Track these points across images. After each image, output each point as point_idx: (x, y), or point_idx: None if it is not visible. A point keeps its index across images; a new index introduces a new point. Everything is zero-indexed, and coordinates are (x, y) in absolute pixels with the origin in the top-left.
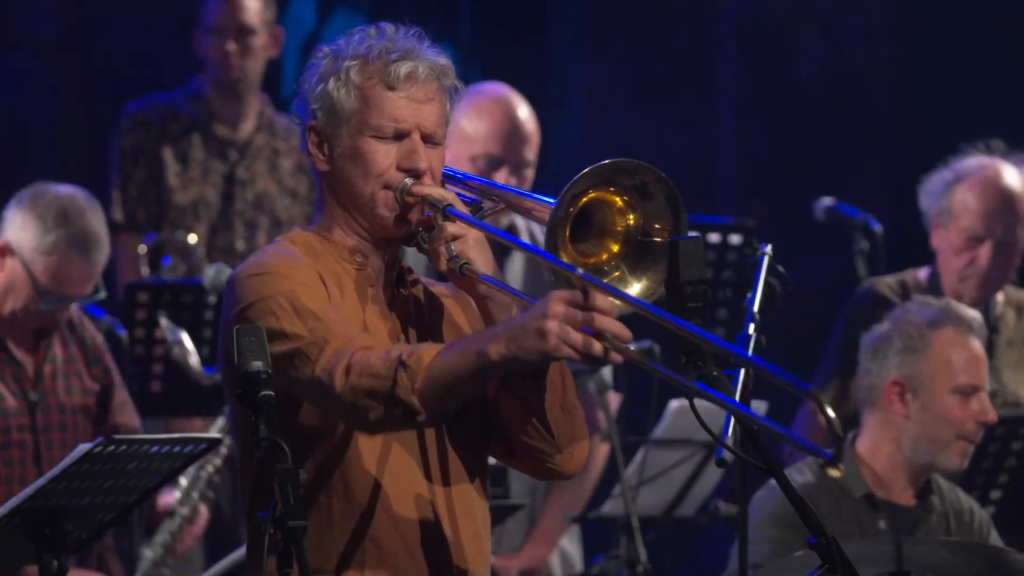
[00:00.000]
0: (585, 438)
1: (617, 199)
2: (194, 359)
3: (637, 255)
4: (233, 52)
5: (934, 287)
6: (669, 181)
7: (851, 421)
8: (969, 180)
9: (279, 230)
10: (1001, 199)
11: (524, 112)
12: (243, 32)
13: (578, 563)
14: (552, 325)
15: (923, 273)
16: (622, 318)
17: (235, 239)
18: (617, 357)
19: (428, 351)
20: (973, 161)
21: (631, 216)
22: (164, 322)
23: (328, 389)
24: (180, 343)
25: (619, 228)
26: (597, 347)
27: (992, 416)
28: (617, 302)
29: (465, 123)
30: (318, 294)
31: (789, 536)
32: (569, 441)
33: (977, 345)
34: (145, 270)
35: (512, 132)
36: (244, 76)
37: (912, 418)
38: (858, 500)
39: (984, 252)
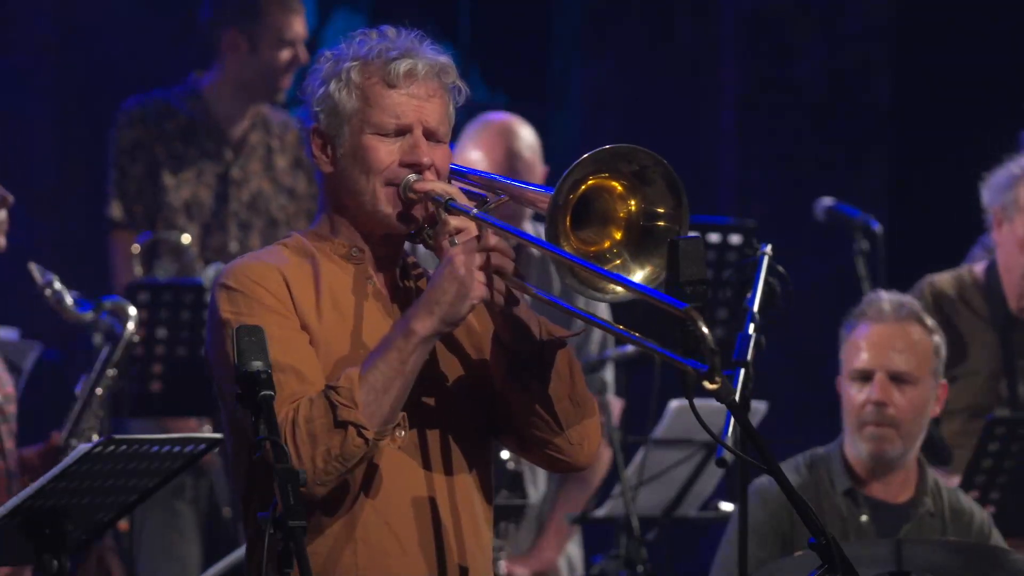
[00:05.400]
0: (596, 431)
1: (617, 185)
2: (68, 299)
3: (640, 241)
4: (303, 59)
5: (992, 283)
6: (668, 165)
7: None
8: None
9: (274, 230)
10: None
11: None
12: (302, 40)
13: (579, 566)
14: (462, 270)
15: (980, 268)
16: (627, 304)
17: (229, 240)
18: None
19: (353, 368)
20: None
21: (632, 202)
22: (34, 266)
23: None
24: (51, 284)
25: (621, 214)
26: (500, 283)
27: (876, 395)
28: (535, 250)
29: None
30: (281, 322)
31: (762, 554)
32: (579, 433)
33: (884, 331)
34: (138, 269)
35: None
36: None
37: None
38: (841, 495)
39: None
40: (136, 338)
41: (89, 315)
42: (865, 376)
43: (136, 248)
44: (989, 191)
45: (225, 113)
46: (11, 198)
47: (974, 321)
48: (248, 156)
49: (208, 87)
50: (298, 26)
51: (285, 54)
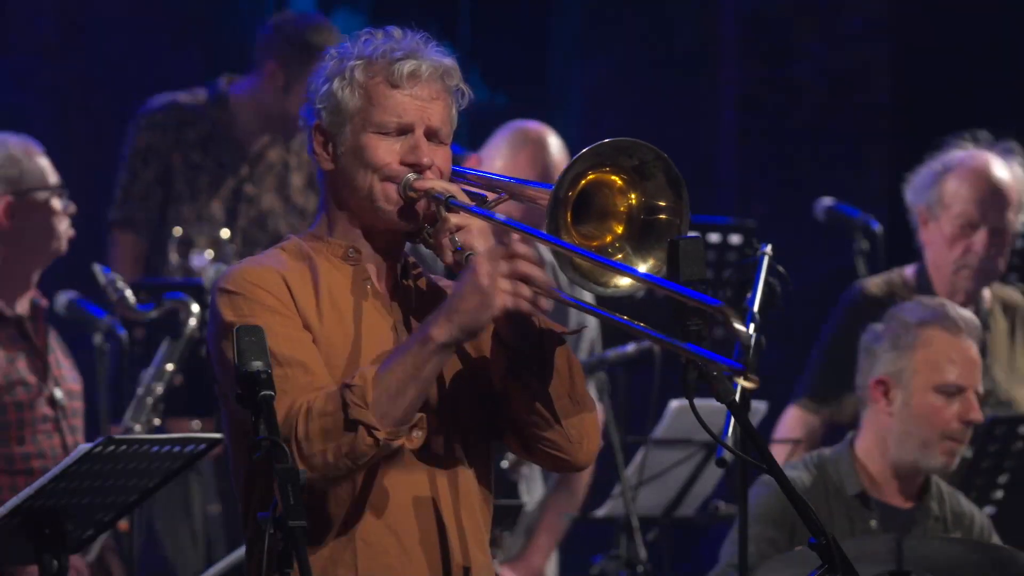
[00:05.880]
0: (596, 429)
1: (617, 179)
2: (130, 296)
3: (641, 235)
4: None
5: (922, 284)
6: (668, 159)
7: (844, 423)
8: (959, 169)
9: None
10: (993, 185)
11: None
12: None
13: (554, 569)
14: (485, 280)
15: (910, 271)
16: (620, 302)
17: (233, 255)
18: (545, 303)
19: (371, 367)
20: (960, 152)
21: (632, 196)
22: (97, 267)
23: (294, 455)
24: (113, 283)
25: (621, 209)
26: (526, 290)
27: (975, 415)
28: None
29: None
30: (283, 321)
31: (773, 533)
32: (579, 431)
33: (966, 345)
34: (174, 256)
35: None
36: None
37: (895, 416)
38: (851, 498)
39: (979, 239)
40: (198, 335)
41: (152, 313)
42: (958, 391)
43: (178, 231)
44: (912, 191)
45: (246, 126)
46: (74, 207)
47: None
48: (264, 173)
49: (237, 96)
50: None
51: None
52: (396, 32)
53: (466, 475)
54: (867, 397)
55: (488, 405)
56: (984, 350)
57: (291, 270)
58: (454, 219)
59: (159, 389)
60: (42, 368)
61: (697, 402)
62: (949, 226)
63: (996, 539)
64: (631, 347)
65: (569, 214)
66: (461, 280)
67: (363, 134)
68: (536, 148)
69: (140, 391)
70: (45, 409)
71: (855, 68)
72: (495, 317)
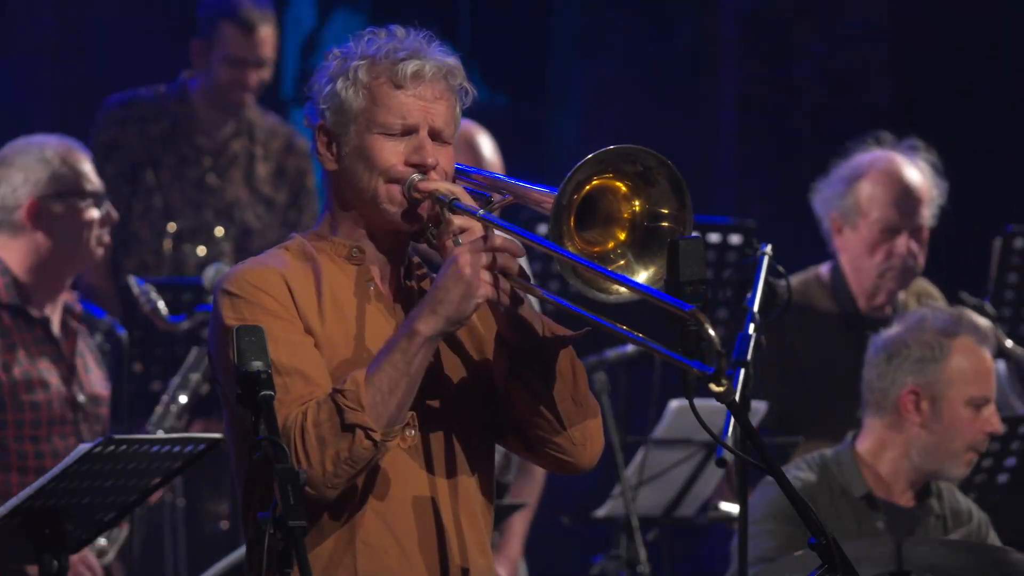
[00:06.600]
0: (600, 431)
1: (621, 185)
2: (163, 307)
3: (644, 242)
4: (251, 83)
5: (838, 283)
6: (671, 165)
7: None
8: (872, 173)
9: (248, 239)
10: (906, 187)
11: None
12: (260, 65)
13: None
14: (467, 270)
15: (824, 269)
16: (628, 304)
17: (197, 246)
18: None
19: (359, 371)
20: (867, 156)
21: (636, 202)
22: (131, 278)
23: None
24: (147, 294)
25: (625, 215)
26: (506, 283)
27: (999, 427)
28: (519, 244)
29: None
30: (284, 326)
31: (791, 529)
32: (582, 433)
33: (988, 355)
34: (167, 243)
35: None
36: (249, 101)
37: (927, 427)
38: (857, 500)
39: (901, 242)
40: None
41: (184, 324)
42: (984, 402)
43: (172, 227)
44: (823, 200)
45: (208, 118)
46: (116, 215)
47: (822, 321)
48: (228, 164)
49: (196, 90)
50: (251, 49)
51: (232, 74)
52: (399, 31)
53: (467, 477)
54: (889, 404)
55: (491, 407)
56: None
57: (293, 270)
58: (457, 221)
59: (183, 398)
60: (66, 371)
61: (697, 402)
62: (868, 232)
63: (993, 534)
64: (631, 347)
65: (572, 219)
66: (443, 272)
67: (367, 135)
68: (472, 149)
69: (165, 399)
70: (65, 411)
71: (855, 68)
72: (479, 307)
